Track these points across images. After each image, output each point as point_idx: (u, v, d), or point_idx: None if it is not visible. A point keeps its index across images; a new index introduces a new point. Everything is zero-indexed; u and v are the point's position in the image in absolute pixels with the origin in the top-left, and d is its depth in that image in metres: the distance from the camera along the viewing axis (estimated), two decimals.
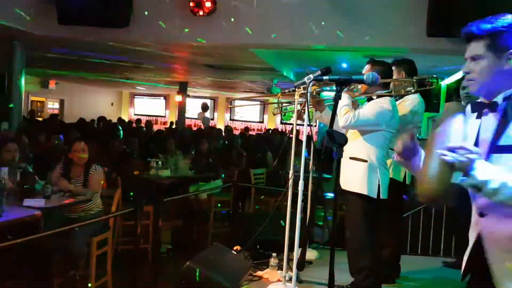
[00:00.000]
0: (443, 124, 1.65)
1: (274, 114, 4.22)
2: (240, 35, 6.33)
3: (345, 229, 3.45)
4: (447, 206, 4.92)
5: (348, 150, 3.25)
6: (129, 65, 10.50)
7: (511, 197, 1.44)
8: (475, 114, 1.68)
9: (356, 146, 3.32)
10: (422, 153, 1.74)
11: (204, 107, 13.92)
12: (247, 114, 18.58)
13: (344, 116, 3.21)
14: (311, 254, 4.36)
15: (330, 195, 5.20)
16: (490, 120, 1.62)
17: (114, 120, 14.13)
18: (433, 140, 1.62)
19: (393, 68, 3.67)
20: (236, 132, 13.12)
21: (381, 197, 3.27)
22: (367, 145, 3.29)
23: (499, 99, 1.60)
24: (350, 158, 3.31)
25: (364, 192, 3.25)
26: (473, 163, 1.44)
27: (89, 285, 3.74)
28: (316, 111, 3.67)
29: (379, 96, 3.38)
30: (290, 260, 3.58)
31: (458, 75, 7.82)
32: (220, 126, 16.42)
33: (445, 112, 1.70)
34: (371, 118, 3.25)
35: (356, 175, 3.29)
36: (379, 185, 3.25)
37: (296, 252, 3.21)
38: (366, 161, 3.27)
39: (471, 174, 1.45)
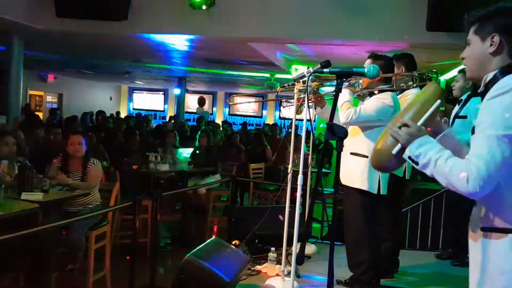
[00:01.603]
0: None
1: (284, 107, 4.23)
2: (240, 28, 6.30)
3: (344, 223, 3.45)
4: (446, 199, 4.92)
5: (349, 146, 3.23)
6: (127, 59, 10.46)
7: (439, 173, 1.49)
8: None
9: (357, 142, 3.30)
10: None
11: (200, 101, 13.87)
12: (246, 109, 18.61)
13: (345, 112, 3.19)
14: (309, 249, 4.36)
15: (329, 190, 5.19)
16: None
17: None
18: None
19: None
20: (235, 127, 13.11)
21: (381, 192, 3.27)
22: (368, 140, 3.26)
23: (482, 86, 1.62)
24: (351, 153, 3.29)
25: (365, 187, 3.24)
26: (411, 138, 1.57)
27: (87, 278, 3.74)
28: (316, 107, 3.63)
29: (380, 91, 3.36)
30: (289, 254, 3.58)
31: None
32: (219, 120, 16.40)
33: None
34: (372, 114, 3.22)
35: (356, 171, 3.27)
36: (379, 180, 3.24)
37: (295, 247, 3.20)
38: (367, 156, 3.24)
39: (407, 148, 1.59)
